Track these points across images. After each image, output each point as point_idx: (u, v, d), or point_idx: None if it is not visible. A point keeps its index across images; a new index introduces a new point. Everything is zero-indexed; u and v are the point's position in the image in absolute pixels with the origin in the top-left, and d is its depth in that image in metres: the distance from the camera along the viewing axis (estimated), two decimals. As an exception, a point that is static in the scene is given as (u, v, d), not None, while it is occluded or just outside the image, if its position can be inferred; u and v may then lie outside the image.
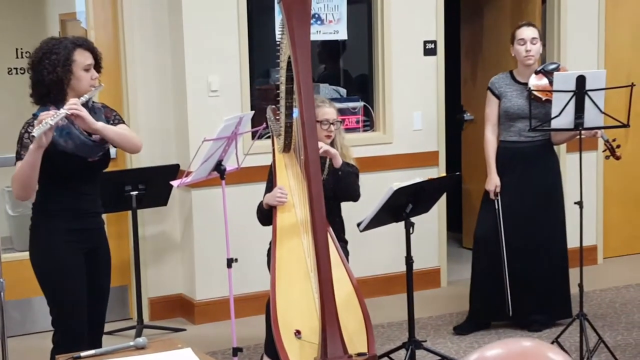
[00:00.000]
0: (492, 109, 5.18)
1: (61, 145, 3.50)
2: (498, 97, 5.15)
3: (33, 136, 3.31)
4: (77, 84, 3.57)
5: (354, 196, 4.44)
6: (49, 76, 3.52)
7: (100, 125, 3.55)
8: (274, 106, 4.39)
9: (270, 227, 4.20)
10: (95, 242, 3.76)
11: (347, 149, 4.53)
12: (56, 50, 3.54)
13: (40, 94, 3.57)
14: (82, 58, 3.58)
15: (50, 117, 3.32)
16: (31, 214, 3.70)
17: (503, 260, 5.08)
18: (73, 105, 3.43)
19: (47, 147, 3.39)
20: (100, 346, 3.58)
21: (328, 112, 4.41)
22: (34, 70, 3.56)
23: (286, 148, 4.31)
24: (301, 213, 4.14)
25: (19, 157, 3.48)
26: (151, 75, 5.48)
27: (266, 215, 4.30)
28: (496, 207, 5.09)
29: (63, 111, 3.39)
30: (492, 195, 5.11)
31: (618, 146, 4.98)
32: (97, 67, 3.66)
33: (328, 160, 4.42)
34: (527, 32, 5.07)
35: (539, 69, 5.08)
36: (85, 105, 3.52)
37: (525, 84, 5.04)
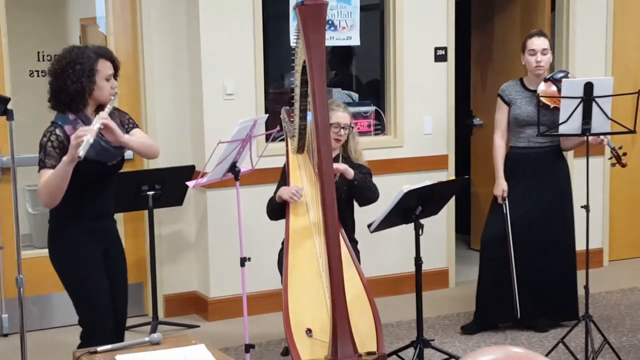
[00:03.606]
0: (501, 115, 5.22)
1: None
2: (508, 104, 5.18)
3: (79, 156, 3.30)
4: (99, 93, 3.60)
5: (374, 199, 4.53)
6: (73, 86, 3.53)
7: (127, 138, 3.59)
8: (288, 107, 4.45)
9: (283, 225, 4.25)
10: (110, 242, 3.81)
11: (360, 153, 4.62)
12: (80, 60, 3.55)
13: (62, 102, 3.58)
14: (104, 68, 3.60)
15: (90, 134, 3.33)
16: (49, 217, 3.72)
17: (511, 264, 5.10)
18: (104, 120, 3.45)
19: None
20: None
21: (340, 116, 4.47)
22: (57, 78, 3.57)
23: (300, 149, 4.38)
24: (314, 213, 4.18)
25: (43, 165, 3.49)
26: (168, 79, 5.55)
27: (277, 208, 4.35)
28: (504, 211, 5.14)
29: (97, 126, 3.41)
30: (499, 200, 5.15)
31: (624, 154, 4.99)
32: (115, 75, 3.69)
33: (340, 159, 4.52)
34: (538, 43, 5.08)
35: (547, 77, 5.10)
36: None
37: (535, 92, 5.06)
